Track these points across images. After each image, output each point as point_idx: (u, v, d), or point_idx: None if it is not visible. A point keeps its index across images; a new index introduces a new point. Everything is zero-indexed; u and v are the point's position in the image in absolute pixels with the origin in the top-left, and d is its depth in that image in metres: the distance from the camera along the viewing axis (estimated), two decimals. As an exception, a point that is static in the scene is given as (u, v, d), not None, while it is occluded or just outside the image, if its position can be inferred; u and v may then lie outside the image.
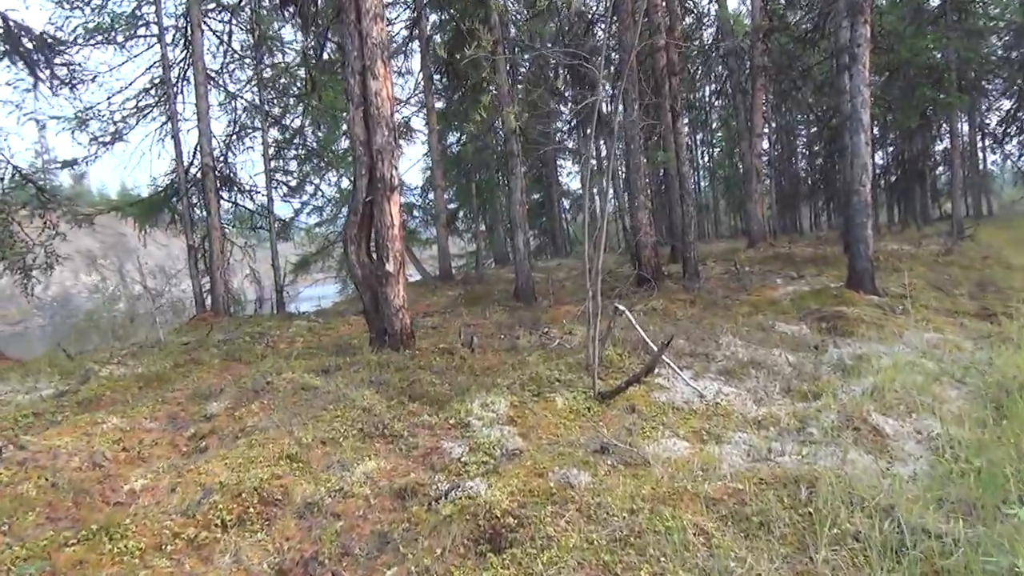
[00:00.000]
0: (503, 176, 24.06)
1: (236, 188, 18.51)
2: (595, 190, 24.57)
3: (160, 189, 17.63)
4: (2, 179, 13.93)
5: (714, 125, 36.30)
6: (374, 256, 8.87)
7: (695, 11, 22.65)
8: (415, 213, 26.31)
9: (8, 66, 13.75)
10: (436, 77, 20.77)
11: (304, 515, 4.30)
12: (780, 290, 12.45)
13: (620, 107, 11.78)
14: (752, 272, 14.56)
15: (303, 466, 4.96)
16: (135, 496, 4.70)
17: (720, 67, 27.85)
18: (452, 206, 26.43)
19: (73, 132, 15.91)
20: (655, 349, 6.58)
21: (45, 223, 14.79)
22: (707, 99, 33.34)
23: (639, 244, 13.42)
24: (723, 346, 8.13)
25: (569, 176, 34.16)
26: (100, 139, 16.21)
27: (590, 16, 20.38)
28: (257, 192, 18.94)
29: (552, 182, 30.09)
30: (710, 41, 25.92)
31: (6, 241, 14.01)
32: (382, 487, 4.60)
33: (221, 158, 17.81)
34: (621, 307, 6.72)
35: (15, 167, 14.18)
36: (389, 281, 8.50)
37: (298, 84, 19.09)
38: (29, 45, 13.64)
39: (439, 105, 21.28)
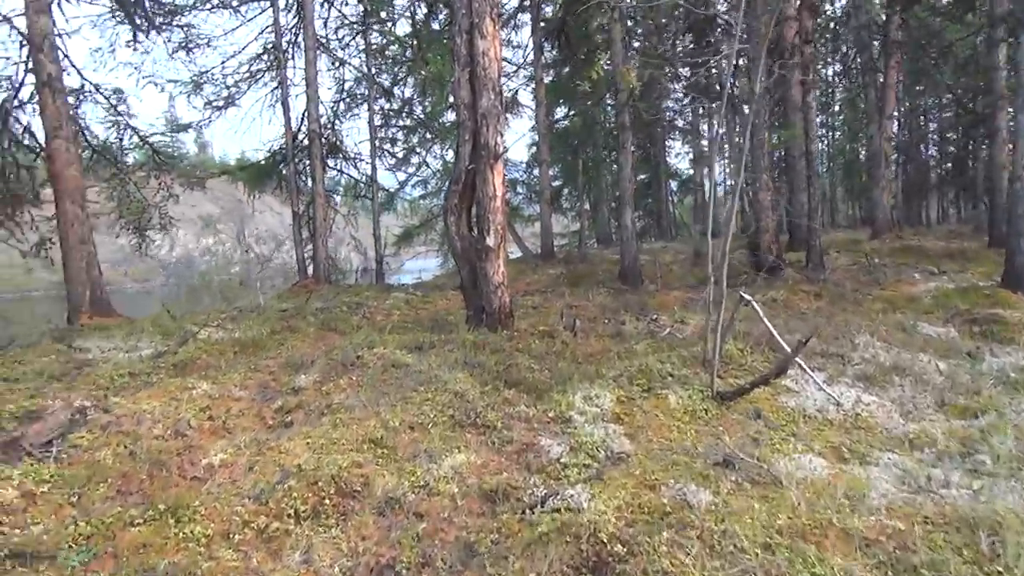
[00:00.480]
0: (610, 154, 23.13)
1: (342, 156, 18.50)
2: (705, 170, 23.21)
3: (269, 154, 17.80)
4: (120, 139, 14.37)
5: (836, 108, 33.81)
6: (474, 229, 8.39)
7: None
8: (519, 189, 25.74)
9: (130, 29, 14.06)
10: (546, 48, 20.03)
11: (383, 512, 3.87)
12: (919, 286, 11.13)
13: (747, 78, 10.79)
14: (884, 265, 13.18)
15: (387, 453, 4.55)
16: (212, 472, 4.43)
17: (848, 43, 25.81)
18: (557, 183, 25.73)
19: (189, 96, 16.29)
20: (784, 346, 5.78)
21: (160, 184, 15.20)
22: (831, 79, 31.05)
23: (759, 228, 12.34)
24: (859, 347, 7.16)
25: (678, 157, 32.70)
26: (214, 103, 16.51)
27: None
28: (362, 160, 18.89)
29: (660, 162, 28.85)
30: (839, 15, 23.97)
31: (123, 200, 14.48)
32: (471, 486, 4.11)
33: (328, 125, 17.80)
34: (746, 296, 5.92)
35: (133, 128, 14.60)
36: (489, 256, 8.00)
37: (407, 54, 18.81)
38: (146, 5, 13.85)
39: (548, 79, 20.55)
